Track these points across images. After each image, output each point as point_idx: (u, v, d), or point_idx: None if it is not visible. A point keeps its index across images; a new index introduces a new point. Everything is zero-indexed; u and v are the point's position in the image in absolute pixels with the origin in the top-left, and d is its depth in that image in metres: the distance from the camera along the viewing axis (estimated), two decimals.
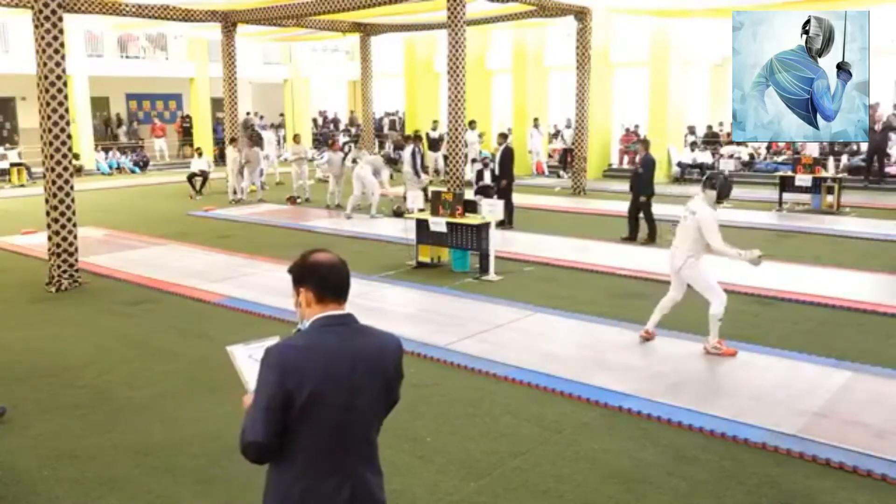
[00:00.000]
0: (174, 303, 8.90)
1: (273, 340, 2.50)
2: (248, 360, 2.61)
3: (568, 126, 22.35)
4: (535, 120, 22.52)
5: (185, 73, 27.36)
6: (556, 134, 24.50)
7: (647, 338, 7.06)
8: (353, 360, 2.41)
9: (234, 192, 17.76)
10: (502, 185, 13.46)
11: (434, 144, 21.64)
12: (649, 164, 12.17)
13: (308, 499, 2.35)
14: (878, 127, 17.98)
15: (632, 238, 12.18)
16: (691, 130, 22.38)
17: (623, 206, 13.81)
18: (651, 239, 11.99)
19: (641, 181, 12.11)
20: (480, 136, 21.46)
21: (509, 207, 13.37)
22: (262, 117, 30.12)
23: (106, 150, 25.99)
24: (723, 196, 6.59)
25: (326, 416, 2.36)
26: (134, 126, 28.30)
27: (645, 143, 12.85)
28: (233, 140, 18.22)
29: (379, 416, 2.53)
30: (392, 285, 9.54)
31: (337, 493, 2.36)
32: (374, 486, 2.47)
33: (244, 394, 2.52)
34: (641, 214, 12.15)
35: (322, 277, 2.47)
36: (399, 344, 2.59)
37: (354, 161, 15.58)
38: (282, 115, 31.06)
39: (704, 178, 6.83)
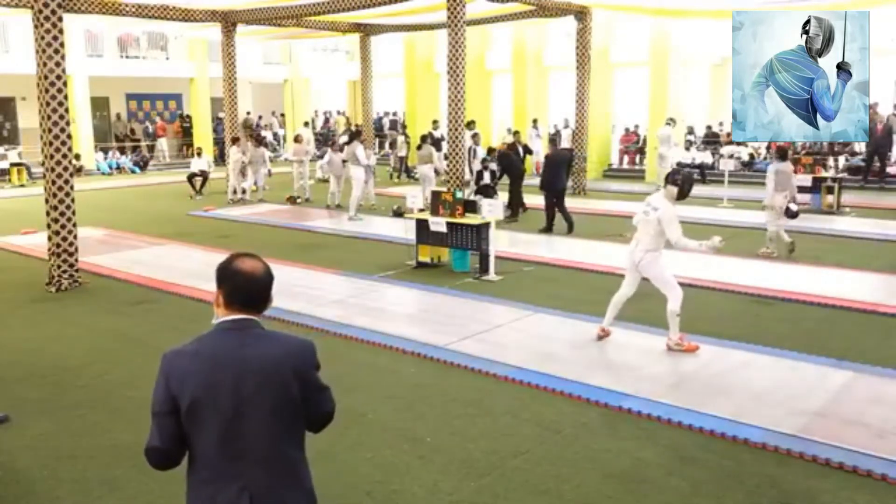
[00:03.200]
0: (174, 303, 8.90)
1: None
2: None
3: (566, 126, 22.32)
4: (535, 121, 22.51)
5: (185, 73, 27.34)
6: (555, 134, 24.46)
7: (603, 335, 7.09)
8: (241, 367, 2.32)
9: (234, 192, 17.76)
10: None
11: (435, 144, 21.58)
12: (553, 163, 12.97)
13: (217, 502, 2.33)
14: (879, 127, 17.96)
15: (548, 229, 12.98)
16: (690, 130, 22.35)
17: (623, 206, 13.82)
18: (569, 230, 12.79)
19: (548, 178, 12.89)
20: (476, 135, 21.39)
21: (513, 203, 14.05)
22: (283, 115, 30.65)
23: (105, 151, 25.98)
24: (685, 193, 6.63)
25: (212, 424, 2.31)
26: (147, 126, 28.30)
27: (553, 142, 13.68)
28: (235, 140, 18.21)
29: (290, 428, 2.40)
30: (392, 285, 9.54)
31: (236, 502, 2.32)
32: (286, 501, 2.38)
33: None
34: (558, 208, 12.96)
35: (236, 285, 2.42)
36: (309, 351, 2.45)
37: (344, 162, 15.49)
38: (282, 115, 31.09)
39: (667, 174, 6.87)
